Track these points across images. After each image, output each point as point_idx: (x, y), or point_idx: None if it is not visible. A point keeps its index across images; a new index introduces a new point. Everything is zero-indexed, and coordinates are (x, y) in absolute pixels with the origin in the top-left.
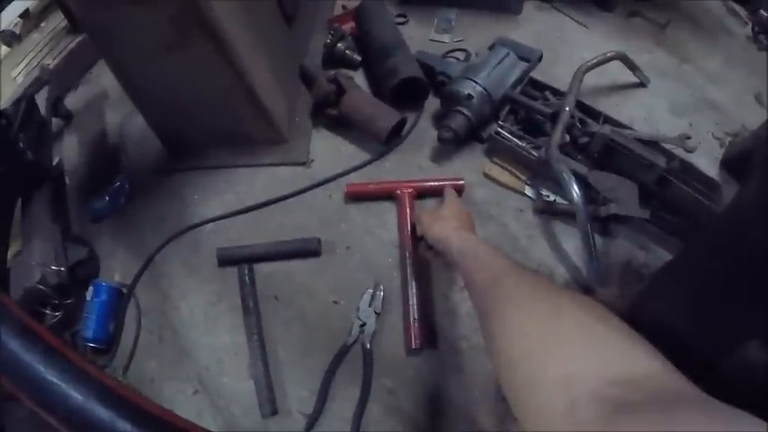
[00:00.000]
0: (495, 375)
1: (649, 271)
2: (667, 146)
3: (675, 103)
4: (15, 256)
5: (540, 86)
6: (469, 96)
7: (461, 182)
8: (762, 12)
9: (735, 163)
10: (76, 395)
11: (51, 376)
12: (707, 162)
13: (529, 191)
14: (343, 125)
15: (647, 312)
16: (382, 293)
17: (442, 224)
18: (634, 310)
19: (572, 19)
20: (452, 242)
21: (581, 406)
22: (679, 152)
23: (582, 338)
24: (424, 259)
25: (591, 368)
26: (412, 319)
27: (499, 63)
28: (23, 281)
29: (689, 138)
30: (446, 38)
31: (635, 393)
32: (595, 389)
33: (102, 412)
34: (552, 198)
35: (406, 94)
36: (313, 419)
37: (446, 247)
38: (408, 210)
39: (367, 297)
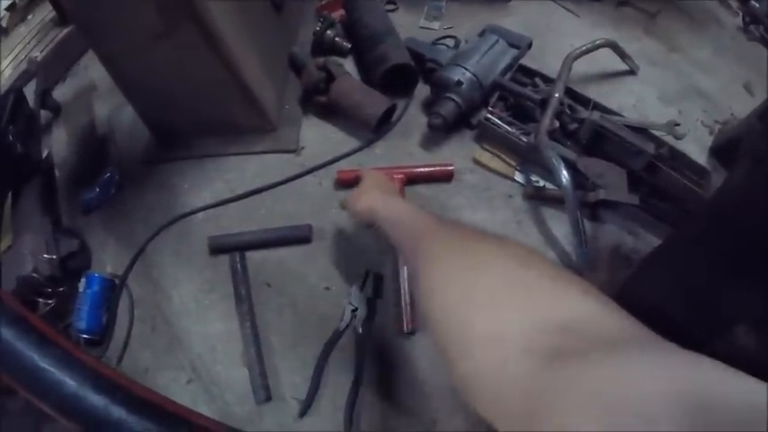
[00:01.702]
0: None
1: (638, 256)
2: (656, 133)
3: (664, 90)
4: (7, 250)
5: (529, 73)
6: (459, 83)
7: (451, 167)
8: (752, 2)
9: (723, 150)
10: (70, 382)
11: (45, 364)
12: (695, 149)
13: (518, 176)
14: (332, 112)
15: (635, 297)
16: (373, 278)
17: (365, 196)
18: (623, 294)
19: (562, 6)
20: (378, 211)
21: (512, 362)
22: (668, 139)
23: (506, 289)
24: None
25: (518, 320)
26: (404, 304)
27: (489, 50)
28: (16, 271)
29: (678, 125)
30: (436, 25)
31: (571, 339)
32: (525, 342)
33: (95, 399)
34: (542, 184)
35: (395, 81)
36: (307, 405)
37: (374, 219)
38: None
39: (359, 283)
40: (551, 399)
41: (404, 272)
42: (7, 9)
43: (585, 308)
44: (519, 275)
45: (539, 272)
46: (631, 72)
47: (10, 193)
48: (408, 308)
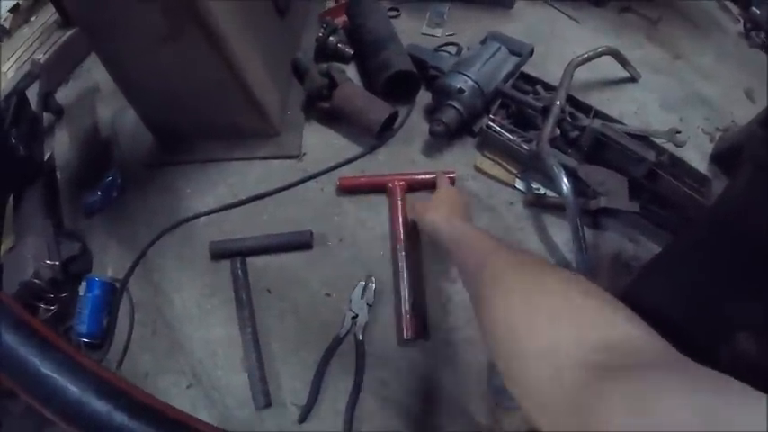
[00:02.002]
0: (488, 360)
1: (638, 263)
2: (657, 140)
3: (666, 98)
4: (8, 253)
5: (531, 81)
6: (461, 90)
7: (453, 175)
8: (753, 9)
9: (724, 157)
10: (72, 388)
11: (47, 369)
12: (697, 156)
13: (520, 184)
14: (335, 118)
15: (636, 304)
16: (374, 285)
17: (434, 211)
18: (623, 302)
19: (564, 14)
20: (443, 229)
21: (567, 372)
22: (669, 146)
23: (564, 309)
24: (416, 247)
25: (573, 337)
26: (404, 311)
27: (491, 57)
28: (17, 275)
29: (679, 132)
30: (438, 32)
31: (616, 358)
32: (578, 356)
33: (98, 404)
34: (543, 191)
35: (397, 88)
36: (306, 411)
37: (437, 235)
38: (400, 203)
39: (359, 289)
40: (596, 406)
41: (404, 279)
42: (10, 11)
43: (632, 332)
44: (576, 299)
45: (595, 297)
46: (633, 79)
47: (12, 196)
48: (408, 315)
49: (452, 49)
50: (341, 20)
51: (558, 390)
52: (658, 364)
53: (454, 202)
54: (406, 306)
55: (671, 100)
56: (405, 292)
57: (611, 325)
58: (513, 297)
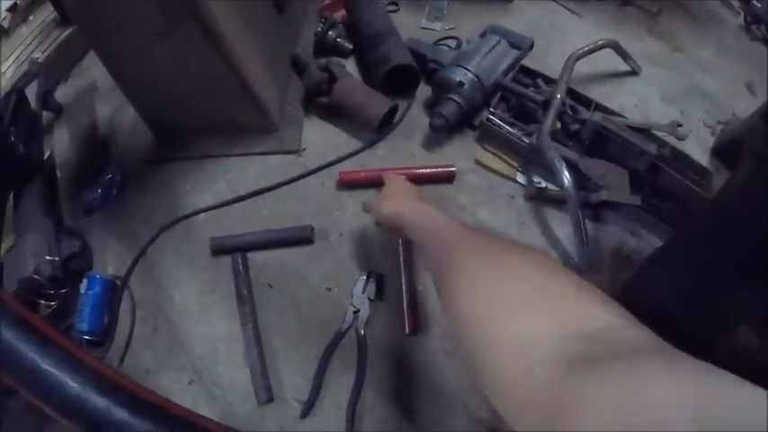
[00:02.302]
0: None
1: (640, 257)
2: (658, 133)
3: (667, 91)
4: (8, 251)
5: (531, 74)
6: (461, 84)
7: (453, 168)
8: (754, 2)
9: (725, 151)
10: (72, 384)
11: (47, 365)
12: (698, 150)
13: (520, 177)
14: (334, 113)
15: (637, 298)
16: (375, 280)
17: (391, 201)
18: (624, 295)
19: (564, 7)
20: (404, 216)
21: (537, 367)
22: (670, 140)
23: (533, 297)
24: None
25: (544, 327)
26: (405, 305)
27: (491, 50)
28: (18, 272)
29: (680, 125)
30: (437, 25)
31: (593, 348)
32: (551, 348)
33: (98, 400)
34: (543, 185)
35: (397, 82)
36: (308, 406)
37: (399, 224)
38: None
39: (360, 284)
40: (572, 403)
41: (405, 273)
42: (8, 10)
43: (607, 318)
44: (546, 285)
45: (564, 282)
46: (633, 72)
47: (12, 194)
48: (410, 309)
49: (452, 43)
50: (340, 14)
51: (528, 386)
52: (641, 354)
53: (408, 188)
54: (407, 300)
55: (672, 93)
56: (406, 286)
57: (585, 311)
58: (478, 285)
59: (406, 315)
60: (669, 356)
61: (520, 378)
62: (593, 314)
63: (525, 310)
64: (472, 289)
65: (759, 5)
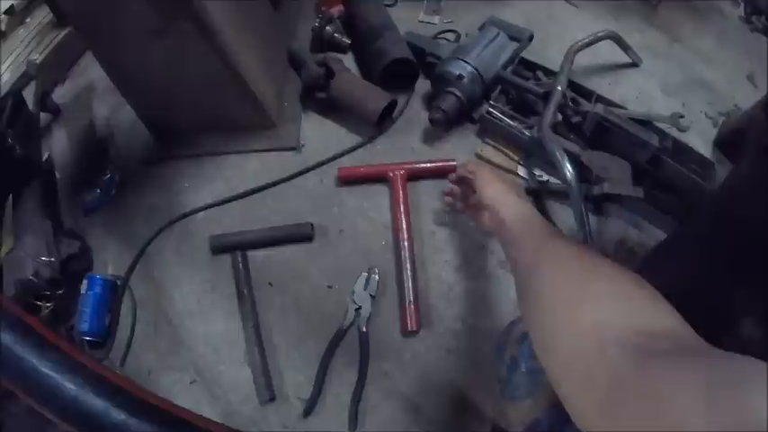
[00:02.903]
0: (493, 351)
1: (643, 249)
2: (660, 125)
3: (668, 82)
4: (8, 253)
5: (531, 66)
6: (460, 77)
7: (454, 163)
8: None
9: (727, 142)
10: (70, 386)
11: (45, 368)
12: (700, 141)
13: (521, 171)
14: (333, 109)
15: None
16: (377, 276)
17: (504, 186)
18: None
19: None
20: (510, 207)
21: (611, 348)
22: (672, 131)
23: (613, 293)
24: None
25: (618, 318)
26: (407, 302)
27: (490, 43)
28: (16, 274)
29: (682, 117)
30: (436, 19)
31: (659, 343)
32: (622, 336)
33: (96, 402)
34: (545, 178)
35: (396, 76)
36: (311, 404)
37: (499, 210)
38: (401, 192)
39: (361, 280)
40: (651, 384)
41: (407, 270)
42: (5, 12)
43: (675, 324)
44: (627, 288)
45: (642, 288)
46: (634, 64)
47: (10, 196)
48: (412, 306)
49: (451, 36)
50: (337, 9)
51: (601, 362)
52: (700, 352)
53: (506, 178)
54: (409, 297)
55: (673, 84)
56: (408, 282)
57: (655, 314)
58: (567, 273)
59: (408, 312)
60: (725, 355)
61: (592, 357)
62: (661, 317)
63: (606, 304)
64: (563, 280)
65: None
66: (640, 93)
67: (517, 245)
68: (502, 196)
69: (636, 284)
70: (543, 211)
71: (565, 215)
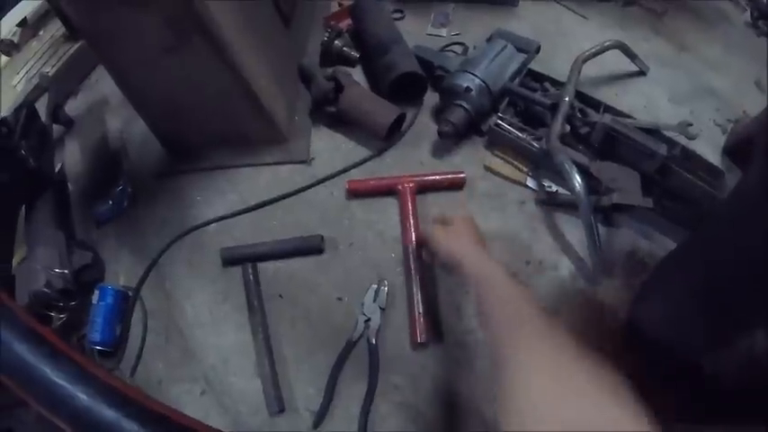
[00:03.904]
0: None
1: (653, 260)
2: (668, 134)
3: (675, 90)
4: (20, 263)
5: (538, 77)
6: (468, 89)
7: (462, 175)
8: None
9: (736, 149)
10: (83, 396)
11: (57, 378)
12: (709, 149)
13: (530, 182)
14: (342, 122)
15: (652, 302)
16: (386, 289)
17: (456, 240)
18: (639, 300)
19: (569, 9)
20: (468, 264)
21: None
22: (680, 140)
23: (586, 412)
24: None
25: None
26: (417, 314)
27: (497, 55)
28: (29, 285)
29: (690, 125)
30: (443, 32)
31: None
32: None
33: (108, 413)
34: (554, 189)
35: (404, 90)
36: (320, 416)
37: (459, 268)
38: (410, 205)
39: (371, 293)
40: None
41: (417, 282)
42: (19, 25)
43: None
44: (602, 401)
45: (621, 402)
46: (641, 73)
47: (23, 207)
48: (421, 318)
49: (458, 49)
50: (345, 24)
51: None
52: None
53: (476, 234)
54: (418, 309)
55: (680, 93)
56: (417, 295)
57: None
58: (543, 377)
59: (417, 324)
60: None
61: None
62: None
63: (576, 406)
64: (538, 380)
65: (765, 1)
66: (648, 102)
67: (483, 314)
68: (457, 252)
69: (613, 392)
70: (552, 223)
71: (574, 226)
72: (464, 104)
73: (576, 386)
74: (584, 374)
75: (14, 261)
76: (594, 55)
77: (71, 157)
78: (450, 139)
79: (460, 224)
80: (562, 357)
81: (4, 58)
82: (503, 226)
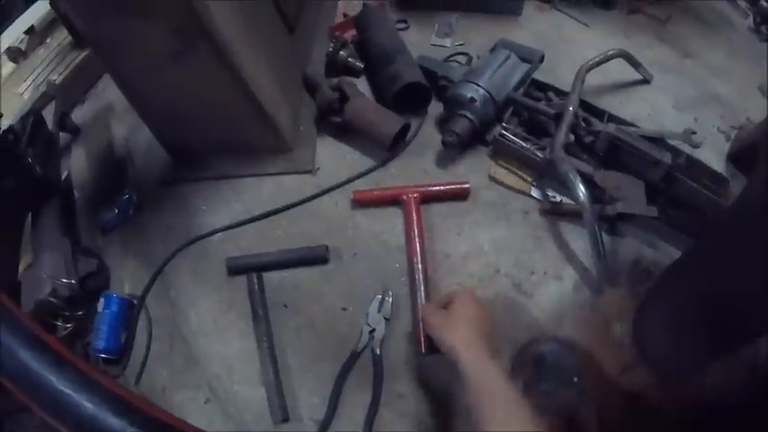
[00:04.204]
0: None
1: (658, 269)
2: (673, 142)
3: (679, 98)
4: (26, 270)
5: (542, 87)
6: (472, 100)
7: (467, 185)
8: (762, 2)
9: (741, 156)
10: (87, 404)
11: (62, 386)
12: (713, 156)
13: (535, 192)
14: (347, 132)
15: (657, 311)
16: (391, 299)
17: (453, 331)
18: (644, 308)
19: (572, 18)
20: (462, 363)
21: None
22: (685, 148)
23: None
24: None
25: None
26: (421, 324)
27: (501, 65)
28: (34, 294)
29: (694, 133)
30: (447, 42)
31: None
32: None
33: (112, 421)
34: (558, 199)
35: (409, 100)
36: (324, 425)
37: (454, 362)
38: (415, 215)
39: (376, 303)
40: None
41: (421, 293)
42: (26, 33)
43: None
44: None
45: None
46: (645, 81)
47: (30, 214)
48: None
49: (462, 59)
50: (350, 34)
51: None
52: None
53: (478, 318)
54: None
55: (684, 100)
56: (421, 305)
57: None
58: None
59: (421, 334)
60: None
61: None
62: None
63: None
64: None
65: (767, 5)
66: (652, 110)
67: (473, 419)
68: (451, 346)
69: None
70: (557, 233)
71: (579, 236)
72: (468, 114)
73: None
74: None
75: (20, 267)
76: (598, 64)
77: (77, 165)
78: (454, 149)
79: (458, 309)
80: None
81: (12, 66)
82: (507, 236)
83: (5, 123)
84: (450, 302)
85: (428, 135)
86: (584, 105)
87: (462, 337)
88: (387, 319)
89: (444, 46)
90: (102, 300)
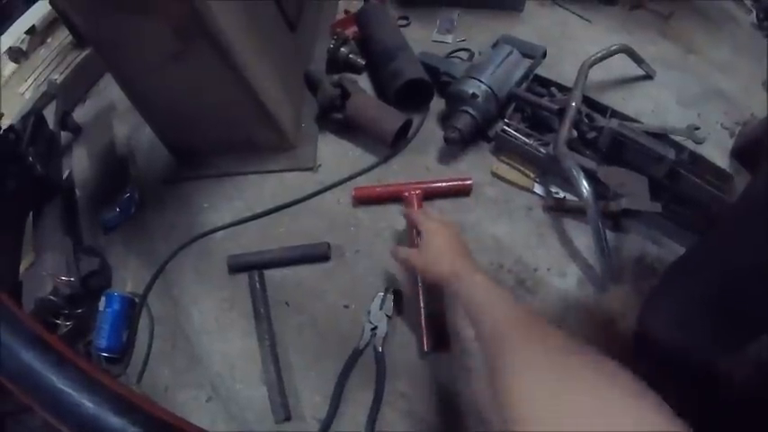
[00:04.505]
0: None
1: (662, 265)
2: (676, 138)
3: (683, 94)
4: (28, 269)
5: (545, 83)
6: (474, 95)
7: (469, 181)
8: None
9: (745, 152)
10: (88, 404)
11: (63, 385)
12: (717, 152)
13: (538, 188)
14: (349, 129)
15: (660, 308)
16: (393, 296)
17: (434, 265)
18: (648, 305)
19: (574, 14)
20: (452, 286)
21: None
22: (688, 144)
23: (594, 405)
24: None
25: None
26: (423, 322)
27: (503, 61)
28: (35, 292)
29: (698, 129)
30: (449, 38)
31: None
32: None
33: (114, 421)
34: (562, 195)
35: (410, 96)
36: (327, 424)
37: (446, 289)
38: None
39: (378, 300)
40: None
41: (423, 290)
42: (27, 32)
43: (663, 427)
44: (606, 394)
45: (624, 390)
46: (648, 77)
47: (32, 213)
48: (428, 325)
49: (464, 55)
50: (351, 31)
51: None
52: None
53: (452, 241)
54: (425, 317)
55: (688, 96)
56: (424, 302)
57: (643, 421)
58: (539, 385)
59: (424, 332)
60: None
61: None
62: (650, 424)
63: (585, 420)
64: (534, 388)
65: None
66: (655, 105)
67: (474, 327)
68: (439, 277)
69: (616, 385)
70: (560, 229)
71: (582, 232)
72: (470, 110)
73: (574, 381)
74: (579, 368)
75: (22, 267)
76: (601, 59)
77: (79, 164)
78: (456, 146)
79: (430, 241)
80: (556, 355)
81: (13, 66)
82: (510, 232)
83: (7, 123)
84: (418, 235)
85: (430, 131)
86: (587, 101)
87: (444, 265)
88: (389, 317)
89: (446, 42)
90: (103, 298)
